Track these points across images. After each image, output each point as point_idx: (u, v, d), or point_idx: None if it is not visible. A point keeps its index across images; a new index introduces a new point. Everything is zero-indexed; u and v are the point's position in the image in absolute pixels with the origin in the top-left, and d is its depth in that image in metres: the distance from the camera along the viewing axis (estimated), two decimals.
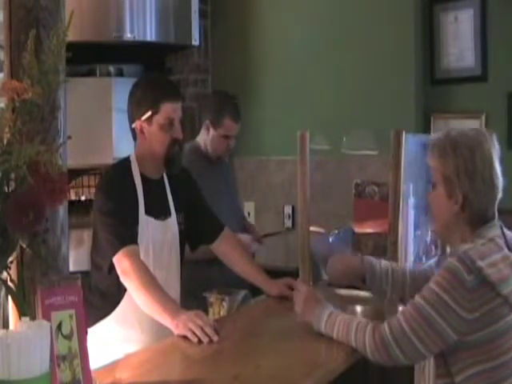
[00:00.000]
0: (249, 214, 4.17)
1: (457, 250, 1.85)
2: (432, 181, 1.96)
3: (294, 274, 2.71)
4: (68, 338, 1.51)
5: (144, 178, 2.42)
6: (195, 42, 4.23)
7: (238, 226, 3.23)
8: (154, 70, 4.20)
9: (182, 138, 2.43)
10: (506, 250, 1.83)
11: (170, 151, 2.40)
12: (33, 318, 1.43)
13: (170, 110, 2.38)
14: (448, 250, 2.04)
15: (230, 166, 3.39)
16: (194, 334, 2.03)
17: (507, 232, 1.91)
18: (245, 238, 3.05)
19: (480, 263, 1.75)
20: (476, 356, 1.80)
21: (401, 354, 1.82)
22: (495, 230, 1.88)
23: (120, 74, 4.14)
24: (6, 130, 1.41)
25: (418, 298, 1.83)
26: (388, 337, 1.83)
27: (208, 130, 3.13)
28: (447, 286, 1.77)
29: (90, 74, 4.07)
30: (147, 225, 2.37)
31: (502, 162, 1.91)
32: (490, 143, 1.89)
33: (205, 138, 3.15)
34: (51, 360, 1.39)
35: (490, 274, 1.75)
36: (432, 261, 2.48)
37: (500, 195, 1.90)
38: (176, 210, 2.48)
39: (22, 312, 1.41)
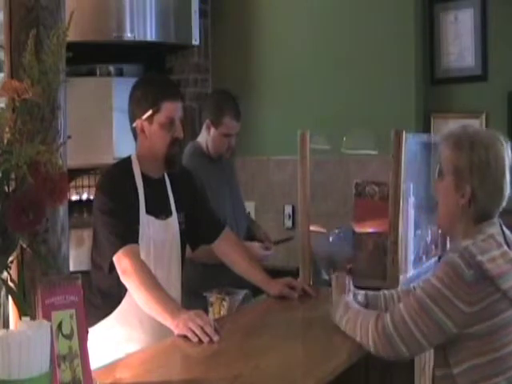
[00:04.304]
0: (249, 213, 4.16)
1: (457, 245, 1.88)
2: (440, 169, 1.95)
3: (294, 274, 2.71)
4: (68, 337, 1.51)
5: (145, 178, 2.42)
6: (195, 41, 4.23)
7: (242, 226, 3.23)
8: (154, 69, 4.20)
9: (182, 136, 2.43)
10: (505, 247, 1.85)
11: (171, 150, 2.40)
12: (33, 317, 1.43)
13: (171, 108, 2.39)
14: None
15: (233, 167, 3.39)
16: (195, 333, 2.03)
17: (506, 230, 1.93)
18: (255, 247, 3.04)
19: (480, 258, 1.78)
20: (474, 348, 1.82)
21: (402, 344, 1.85)
22: (495, 227, 1.90)
23: (120, 73, 4.14)
24: (6, 129, 1.41)
25: (419, 291, 1.87)
26: (389, 326, 1.86)
27: (209, 129, 3.13)
28: (447, 281, 1.80)
29: (90, 73, 4.07)
30: (148, 224, 2.37)
31: None
32: (504, 151, 1.89)
33: (206, 137, 3.15)
34: (51, 360, 1.39)
35: (489, 269, 1.77)
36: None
37: (504, 204, 1.91)
38: (177, 209, 2.48)
39: (22, 312, 1.41)
